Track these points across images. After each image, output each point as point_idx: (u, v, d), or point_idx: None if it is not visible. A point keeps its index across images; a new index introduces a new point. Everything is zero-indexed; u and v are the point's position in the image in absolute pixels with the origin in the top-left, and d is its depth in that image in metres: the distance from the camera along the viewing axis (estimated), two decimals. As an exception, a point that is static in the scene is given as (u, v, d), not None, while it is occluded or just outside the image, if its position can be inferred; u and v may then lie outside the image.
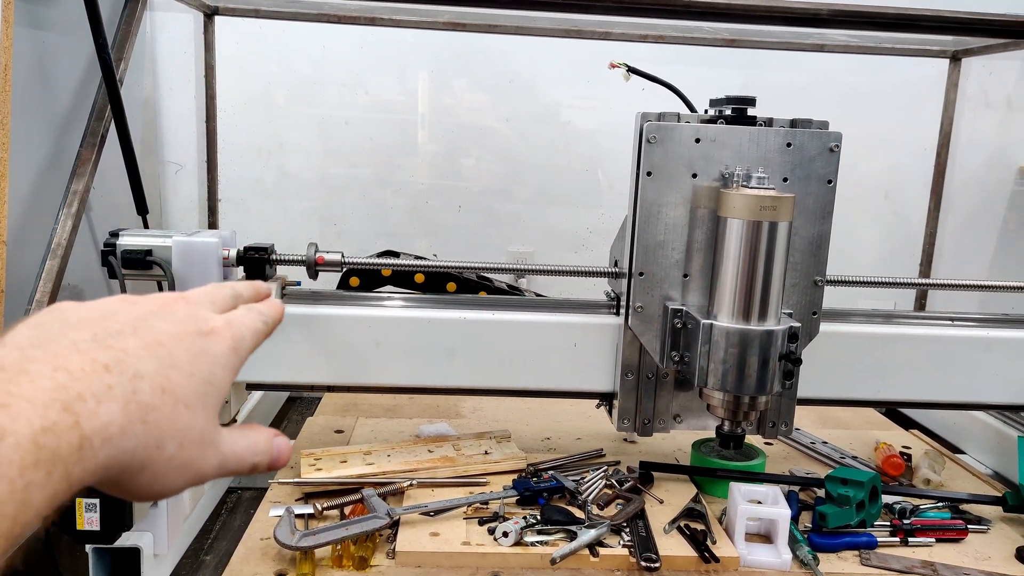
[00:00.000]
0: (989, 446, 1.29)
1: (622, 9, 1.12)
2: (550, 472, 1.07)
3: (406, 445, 1.14)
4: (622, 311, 1.03)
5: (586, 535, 0.89)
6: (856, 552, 0.94)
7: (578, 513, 0.97)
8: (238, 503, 1.09)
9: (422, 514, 0.94)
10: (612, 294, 1.08)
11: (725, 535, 0.94)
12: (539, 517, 0.94)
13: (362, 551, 0.86)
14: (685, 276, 0.98)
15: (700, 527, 0.95)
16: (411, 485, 1.01)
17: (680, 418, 1.05)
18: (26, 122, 1.07)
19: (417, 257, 1.29)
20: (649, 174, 0.96)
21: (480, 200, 1.73)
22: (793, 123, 0.97)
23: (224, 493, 1.11)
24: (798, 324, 0.92)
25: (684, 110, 1.01)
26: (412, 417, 1.33)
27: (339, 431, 1.25)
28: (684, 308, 0.97)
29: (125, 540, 0.85)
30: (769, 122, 0.97)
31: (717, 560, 0.89)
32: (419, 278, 1.28)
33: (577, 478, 1.06)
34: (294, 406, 1.50)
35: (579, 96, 1.72)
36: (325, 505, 0.94)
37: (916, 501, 1.04)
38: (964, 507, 1.05)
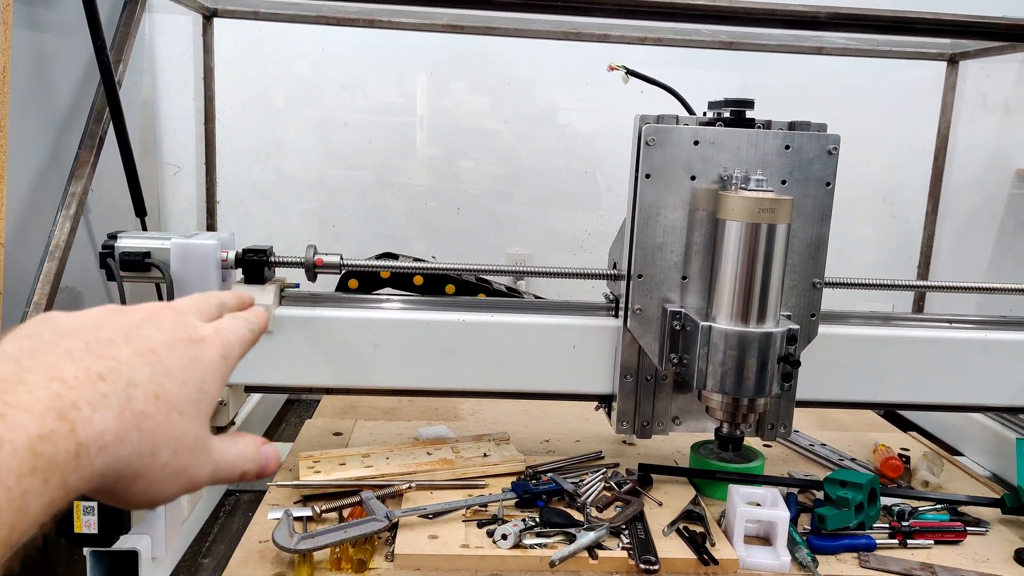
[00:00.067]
0: (987, 448, 1.29)
1: (621, 12, 1.12)
2: (549, 474, 1.07)
3: (405, 447, 1.14)
4: (621, 313, 1.03)
5: (585, 537, 0.89)
6: (855, 554, 0.94)
7: (577, 515, 0.97)
8: (236, 506, 1.09)
9: (421, 517, 0.94)
10: (611, 296, 1.08)
11: (724, 537, 0.94)
12: (538, 519, 0.94)
13: (361, 554, 0.86)
14: (684, 278, 0.98)
15: (699, 529, 0.95)
16: (410, 488, 1.00)
17: (679, 420, 1.05)
18: (25, 124, 1.07)
19: (416, 259, 1.29)
20: (648, 176, 0.96)
21: (479, 202, 1.73)
22: (791, 125, 0.97)
23: (222, 496, 1.11)
24: (797, 326, 0.92)
25: (683, 112, 1.01)
26: (411, 419, 1.33)
27: (338, 433, 1.25)
28: (683, 310, 0.97)
29: (123, 543, 0.85)
30: (767, 124, 0.97)
31: (716, 562, 0.89)
32: (418, 280, 1.28)
33: (576, 480, 1.06)
34: (292, 408, 1.49)
35: (578, 98, 1.72)
36: (324, 508, 0.94)
37: (915, 503, 1.04)
38: (963, 509, 1.05)
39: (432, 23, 1.53)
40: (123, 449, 0.32)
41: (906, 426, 1.44)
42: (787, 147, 0.96)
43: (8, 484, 0.27)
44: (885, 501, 1.02)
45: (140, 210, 1.30)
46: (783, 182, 0.96)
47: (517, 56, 1.68)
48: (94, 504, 0.81)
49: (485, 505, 0.98)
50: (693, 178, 0.96)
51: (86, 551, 0.84)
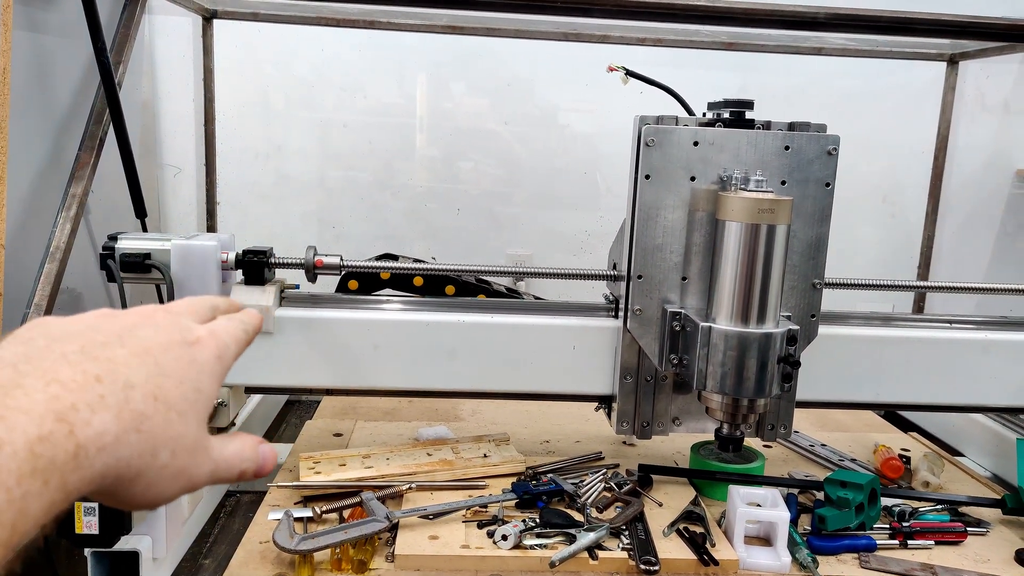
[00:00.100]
0: (988, 448, 1.29)
1: (620, 12, 1.12)
2: (549, 475, 1.07)
3: (405, 448, 1.14)
4: (621, 314, 1.03)
5: (585, 538, 0.89)
6: (855, 555, 0.94)
7: (577, 516, 0.97)
8: (237, 506, 1.09)
9: (421, 517, 0.94)
10: (611, 297, 1.08)
11: (724, 538, 0.94)
12: (538, 520, 0.94)
13: (361, 554, 0.86)
14: (684, 279, 0.98)
15: (699, 530, 0.95)
16: (410, 488, 1.01)
17: (679, 421, 1.05)
18: (25, 125, 1.07)
19: (416, 260, 1.29)
20: (647, 177, 0.96)
21: (479, 203, 1.73)
22: (791, 126, 0.97)
23: (223, 497, 1.11)
24: (796, 327, 0.92)
25: (682, 113, 1.01)
26: (411, 420, 1.33)
27: (338, 434, 1.25)
28: (683, 311, 0.97)
29: (124, 544, 0.85)
30: (767, 125, 0.97)
31: (716, 563, 0.89)
32: (418, 281, 1.28)
33: (576, 481, 1.06)
34: (293, 409, 1.49)
35: (577, 99, 1.72)
36: (324, 508, 0.94)
37: (915, 504, 1.04)
38: (963, 509, 1.05)
39: (432, 24, 1.53)
40: (122, 450, 0.32)
41: (906, 427, 1.44)
42: (787, 148, 0.96)
43: (8, 485, 0.28)
44: (885, 502, 1.02)
45: (140, 211, 1.30)
46: (783, 183, 0.96)
47: (517, 57, 1.68)
48: (95, 505, 0.81)
49: (485, 506, 0.98)
50: (693, 179, 0.96)
51: (87, 552, 0.84)
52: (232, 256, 1.00)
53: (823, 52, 1.59)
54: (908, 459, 1.20)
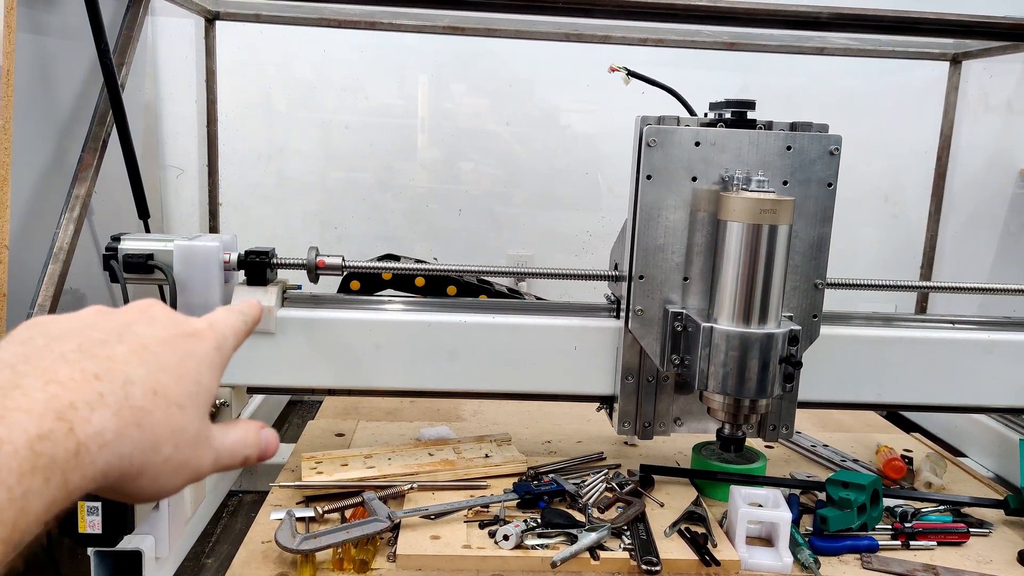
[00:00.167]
0: (991, 449, 1.28)
1: (622, 13, 1.12)
2: (550, 475, 1.07)
3: (407, 448, 1.14)
4: (622, 314, 1.03)
5: (587, 538, 0.89)
6: (857, 555, 0.94)
7: (579, 516, 0.97)
8: (239, 506, 1.09)
9: (423, 517, 0.94)
10: (612, 297, 1.08)
11: (726, 538, 0.94)
12: (540, 520, 0.94)
13: (363, 554, 0.86)
14: (685, 279, 0.98)
15: (701, 530, 0.95)
16: (412, 488, 1.01)
17: (680, 421, 1.05)
18: (28, 126, 1.08)
19: (417, 261, 1.29)
20: (649, 177, 0.96)
21: (480, 204, 1.73)
22: (793, 126, 0.97)
23: (225, 496, 1.11)
24: (798, 327, 0.92)
25: (684, 113, 1.01)
26: (413, 420, 1.33)
27: (340, 434, 1.25)
28: (684, 311, 0.97)
29: (127, 543, 0.85)
30: (769, 125, 0.97)
31: (718, 563, 0.89)
32: (419, 282, 1.28)
33: (578, 481, 1.06)
34: (295, 409, 1.50)
35: (579, 100, 1.72)
36: (326, 508, 0.94)
37: (917, 504, 1.04)
38: (966, 510, 1.05)
39: (433, 25, 1.53)
40: (124, 446, 0.33)
41: (909, 427, 1.44)
42: (788, 148, 0.96)
43: (9, 484, 0.28)
44: (888, 502, 1.02)
45: (143, 212, 1.30)
46: (784, 183, 0.96)
47: (518, 57, 1.68)
48: (98, 504, 0.82)
49: (487, 506, 0.98)
50: (694, 179, 0.96)
51: (90, 551, 0.84)
52: (234, 257, 1.01)
53: (825, 52, 1.59)
54: (910, 460, 1.20)
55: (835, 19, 1.12)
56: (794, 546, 0.91)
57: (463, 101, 1.71)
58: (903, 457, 1.18)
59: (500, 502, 0.98)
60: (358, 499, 0.95)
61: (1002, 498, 1.06)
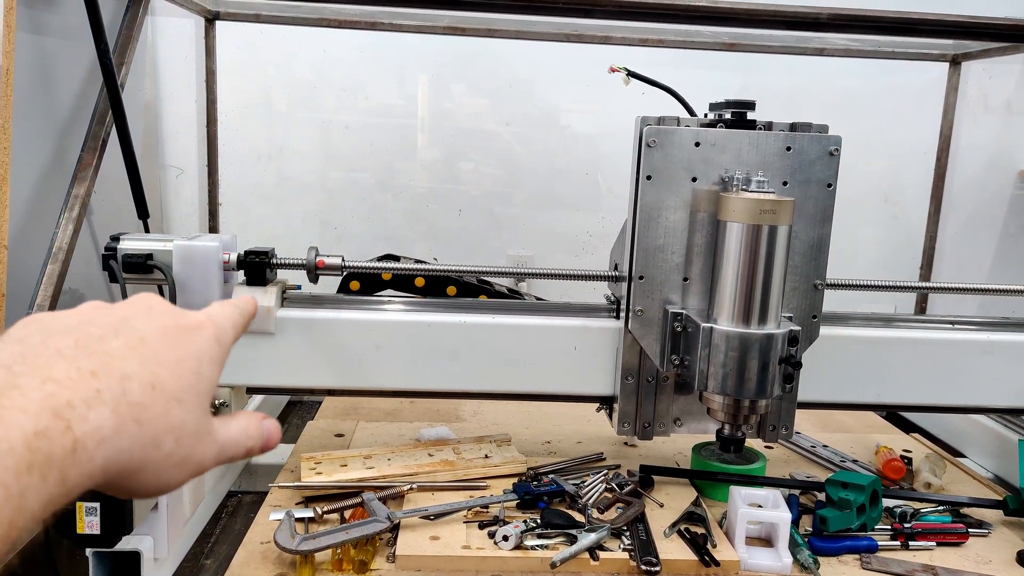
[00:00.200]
0: (990, 450, 1.28)
1: (622, 14, 1.12)
2: (550, 476, 1.07)
3: (406, 449, 1.14)
4: (622, 315, 1.03)
5: (586, 539, 0.89)
6: (857, 556, 0.94)
7: (578, 517, 0.97)
8: (238, 507, 1.09)
9: (422, 518, 0.94)
10: (612, 298, 1.08)
11: (725, 539, 0.94)
12: (539, 521, 0.94)
13: (362, 555, 0.86)
14: (685, 280, 0.98)
15: (700, 531, 0.95)
16: (411, 489, 1.01)
17: (680, 422, 1.05)
18: (28, 126, 1.08)
19: (417, 261, 1.29)
20: (649, 178, 0.96)
21: (480, 204, 1.73)
22: (793, 127, 0.97)
23: (224, 497, 1.11)
24: (798, 328, 0.92)
25: (684, 114, 1.01)
26: (412, 421, 1.33)
27: (339, 435, 1.25)
28: (684, 312, 0.97)
29: (125, 544, 0.85)
30: (769, 126, 0.97)
31: (717, 564, 0.89)
32: (419, 282, 1.28)
33: (577, 482, 1.06)
34: (294, 410, 1.50)
35: (579, 100, 1.72)
36: (325, 509, 0.94)
37: (917, 505, 1.04)
38: (965, 511, 1.05)
39: (433, 25, 1.53)
40: (123, 442, 0.32)
41: (908, 428, 1.44)
42: (788, 148, 0.96)
43: (6, 481, 0.28)
44: (887, 503, 1.02)
45: (142, 212, 1.30)
46: (784, 183, 0.96)
47: (518, 58, 1.68)
48: (96, 505, 0.82)
49: (486, 506, 0.98)
50: (694, 179, 0.96)
51: (88, 552, 0.84)
52: (234, 257, 1.00)
53: (825, 53, 1.59)
54: (910, 460, 1.20)
55: (834, 20, 1.12)
56: (793, 546, 0.91)
57: (463, 101, 1.71)
58: (902, 458, 1.18)
59: (500, 503, 0.98)
60: (357, 500, 0.95)
61: (1001, 499, 1.06)
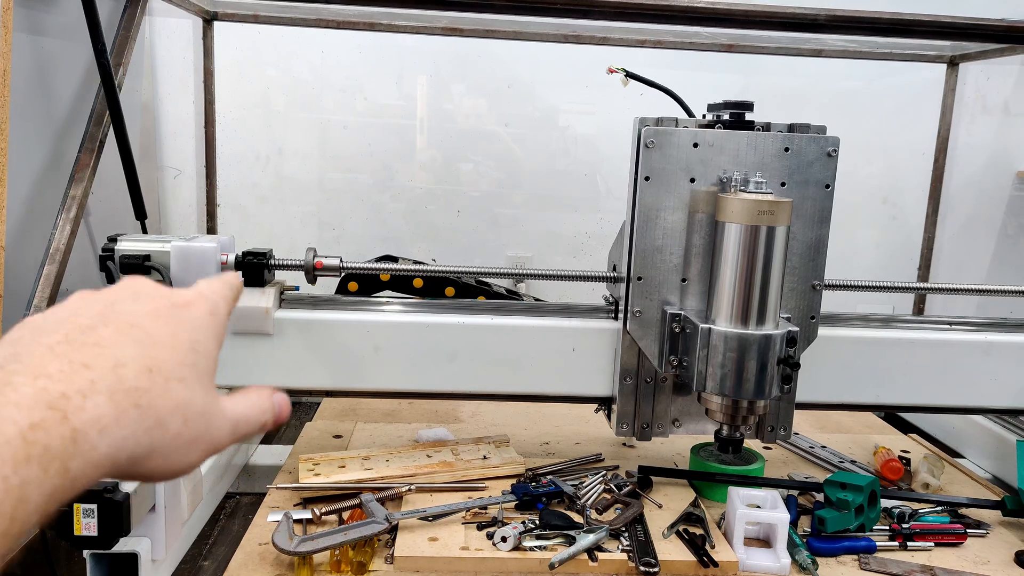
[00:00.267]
0: (988, 450, 1.29)
1: (620, 15, 1.12)
2: (549, 477, 1.06)
3: (405, 450, 1.14)
4: (620, 315, 1.03)
5: (585, 540, 0.89)
6: (855, 556, 0.94)
7: (577, 518, 0.97)
8: (236, 508, 1.09)
9: (421, 519, 0.94)
10: (610, 298, 1.08)
11: (724, 539, 0.94)
12: (538, 522, 0.94)
13: (360, 556, 0.86)
14: (683, 280, 0.98)
15: (699, 531, 0.95)
16: (410, 490, 1.00)
17: (679, 422, 1.05)
18: (25, 127, 1.07)
19: (416, 262, 1.29)
20: (647, 179, 0.96)
21: (479, 204, 1.73)
22: (791, 128, 0.97)
23: (222, 498, 1.11)
24: (796, 328, 0.92)
25: (682, 115, 1.02)
26: (411, 422, 1.33)
27: (338, 436, 1.25)
28: (682, 312, 0.97)
29: (123, 545, 0.85)
30: (767, 127, 0.97)
31: (716, 564, 0.89)
32: (418, 283, 1.28)
33: (576, 483, 1.06)
34: (293, 411, 1.49)
35: (577, 101, 1.72)
36: (323, 510, 0.94)
37: (915, 505, 1.04)
38: (963, 511, 1.05)
39: (432, 26, 1.53)
40: (125, 429, 0.32)
41: (906, 428, 1.44)
42: (786, 149, 0.96)
43: (4, 474, 0.28)
44: (885, 503, 1.02)
45: (140, 213, 1.30)
46: (782, 184, 0.96)
47: (517, 58, 1.68)
48: (94, 507, 0.81)
49: (485, 507, 0.98)
50: (692, 180, 0.96)
51: (86, 553, 0.84)
52: (232, 258, 1.00)
53: (823, 54, 1.59)
54: (908, 461, 1.20)
55: (832, 21, 1.13)
56: (792, 547, 0.91)
57: (462, 102, 1.71)
58: (901, 458, 1.18)
59: (498, 504, 0.98)
60: (356, 501, 0.95)
61: (999, 499, 1.06)
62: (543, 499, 1.00)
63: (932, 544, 0.97)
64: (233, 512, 1.08)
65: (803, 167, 0.96)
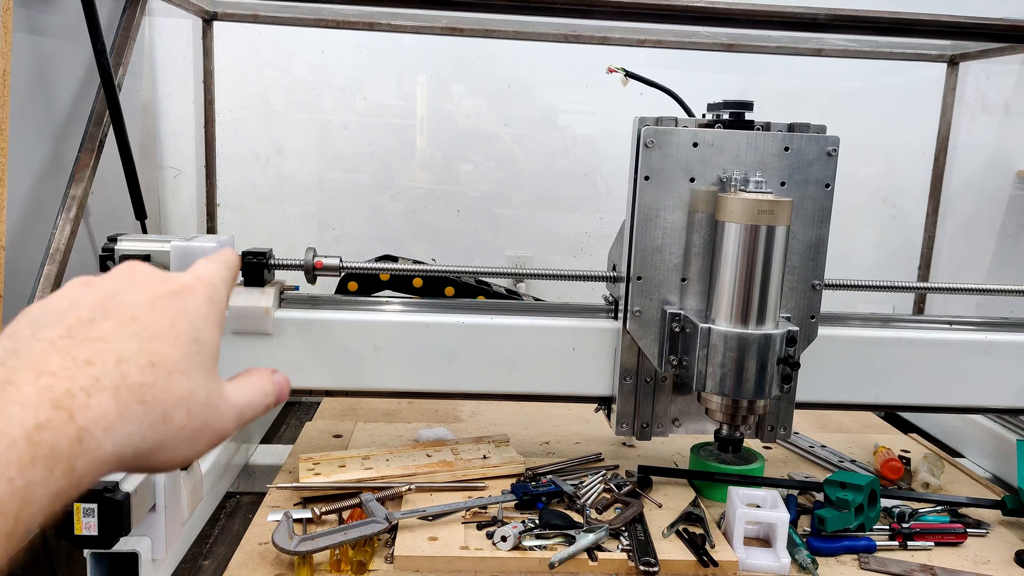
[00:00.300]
0: (988, 450, 1.29)
1: (620, 14, 1.12)
2: (548, 476, 1.06)
3: (405, 449, 1.14)
4: (620, 315, 1.03)
5: (584, 539, 0.89)
6: (855, 556, 0.94)
7: (577, 517, 0.97)
8: (236, 508, 1.09)
9: (420, 518, 0.94)
10: (610, 298, 1.08)
11: (724, 539, 0.94)
12: (537, 521, 0.94)
13: (360, 555, 0.86)
14: (683, 280, 0.98)
15: (699, 531, 0.95)
16: (409, 489, 1.01)
17: (679, 422, 1.05)
18: (25, 127, 1.07)
19: (415, 261, 1.29)
20: (647, 178, 0.96)
21: (479, 204, 1.73)
22: (791, 127, 0.97)
23: (222, 498, 1.11)
24: (796, 328, 0.92)
25: (682, 114, 1.02)
26: (411, 421, 1.33)
27: (338, 436, 1.25)
28: (682, 312, 0.97)
29: (123, 545, 0.85)
30: (767, 126, 0.97)
31: (716, 564, 0.89)
32: (417, 282, 1.28)
33: (576, 482, 1.06)
34: (292, 411, 1.49)
35: (577, 100, 1.72)
36: (323, 510, 0.94)
37: (915, 505, 1.04)
38: (963, 511, 1.05)
39: (431, 26, 1.53)
40: (130, 426, 0.32)
41: (906, 428, 1.44)
42: (786, 149, 0.96)
43: (9, 476, 0.27)
44: (885, 503, 1.02)
45: (140, 213, 1.30)
46: (782, 184, 0.96)
47: (517, 58, 1.68)
48: (94, 506, 0.81)
49: (485, 507, 0.98)
50: (692, 180, 0.96)
51: (86, 553, 0.84)
52: (232, 257, 1.00)
53: (823, 53, 1.59)
54: (908, 460, 1.20)
55: (832, 20, 1.13)
56: (792, 547, 0.91)
57: (462, 102, 1.71)
58: (901, 458, 1.18)
59: (498, 503, 0.98)
60: (356, 500, 0.95)
61: (999, 498, 1.06)
62: (543, 499, 1.00)
63: (932, 544, 0.97)
64: (233, 512, 1.08)
65: (803, 166, 0.96)
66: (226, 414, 0.37)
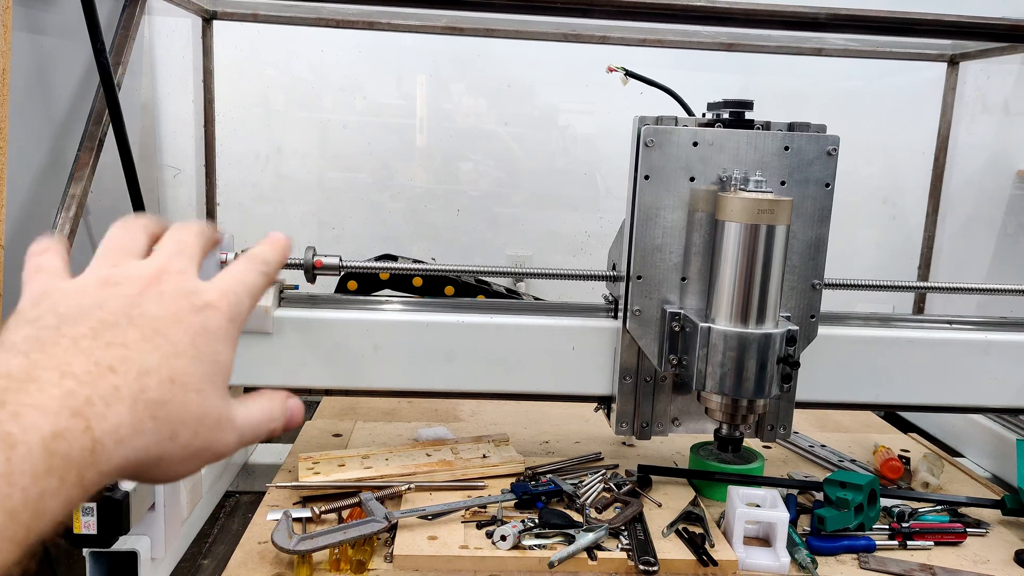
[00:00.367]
0: (988, 449, 1.29)
1: (620, 14, 1.12)
2: (548, 476, 1.06)
3: (404, 449, 1.14)
4: (620, 314, 1.03)
5: (584, 539, 0.89)
6: (855, 555, 0.94)
7: (576, 517, 0.97)
8: (236, 507, 1.09)
9: (420, 518, 0.94)
10: (610, 297, 1.08)
11: (723, 538, 0.94)
12: (537, 521, 0.94)
13: (360, 555, 0.86)
14: (683, 279, 0.98)
15: (698, 530, 0.95)
16: (409, 489, 1.00)
17: (678, 421, 1.05)
18: (24, 126, 1.07)
19: (415, 261, 1.29)
20: (647, 178, 0.96)
21: (478, 204, 1.73)
22: (791, 127, 0.97)
23: (222, 497, 1.11)
24: (796, 327, 0.92)
25: (682, 114, 1.01)
26: (410, 421, 1.33)
27: (337, 435, 1.25)
28: (682, 311, 0.97)
29: (122, 544, 0.85)
30: (767, 126, 0.97)
31: (715, 563, 0.89)
32: (417, 282, 1.28)
33: (575, 482, 1.06)
34: (292, 410, 1.49)
35: (577, 100, 1.72)
36: (323, 509, 0.94)
37: (915, 504, 1.04)
38: (963, 510, 1.05)
39: (431, 25, 1.53)
40: (140, 439, 0.32)
41: (906, 427, 1.44)
42: (786, 148, 0.96)
43: (23, 485, 0.27)
44: (885, 502, 1.02)
45: (140, 212, 1.30)
46: (782, 183, 0.96)
47: (516, 58, 1.68)
48: (93, 505, 0.81)
49: (484, 506, 0.98)
50: (692, 179, 0.96)
51: (85, 552, 0.84)
52: (231, 257, 1.00)
53: (823, 53, 1.59)
54: (908, 460, 1.20)
55: (832, 20, 1.12)
56: (791, 546, 0.91)
57: (462, 101, 1.70)
58: (900, 457, 1.18)
59: (498, 502, 0.98)
60: (355, 499, 0.95)
61: (999, 498, 1.06)
62: (542, 498, 1.00)
63: (932, 543, 0.97)
64: (232, 511, 1.08)
65: (803, 166, 0.96)
66: (228, 436, 0.37)
